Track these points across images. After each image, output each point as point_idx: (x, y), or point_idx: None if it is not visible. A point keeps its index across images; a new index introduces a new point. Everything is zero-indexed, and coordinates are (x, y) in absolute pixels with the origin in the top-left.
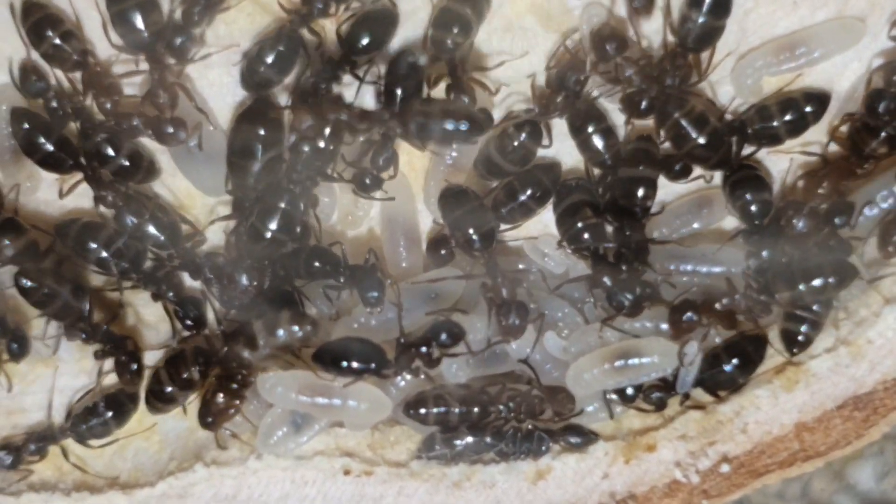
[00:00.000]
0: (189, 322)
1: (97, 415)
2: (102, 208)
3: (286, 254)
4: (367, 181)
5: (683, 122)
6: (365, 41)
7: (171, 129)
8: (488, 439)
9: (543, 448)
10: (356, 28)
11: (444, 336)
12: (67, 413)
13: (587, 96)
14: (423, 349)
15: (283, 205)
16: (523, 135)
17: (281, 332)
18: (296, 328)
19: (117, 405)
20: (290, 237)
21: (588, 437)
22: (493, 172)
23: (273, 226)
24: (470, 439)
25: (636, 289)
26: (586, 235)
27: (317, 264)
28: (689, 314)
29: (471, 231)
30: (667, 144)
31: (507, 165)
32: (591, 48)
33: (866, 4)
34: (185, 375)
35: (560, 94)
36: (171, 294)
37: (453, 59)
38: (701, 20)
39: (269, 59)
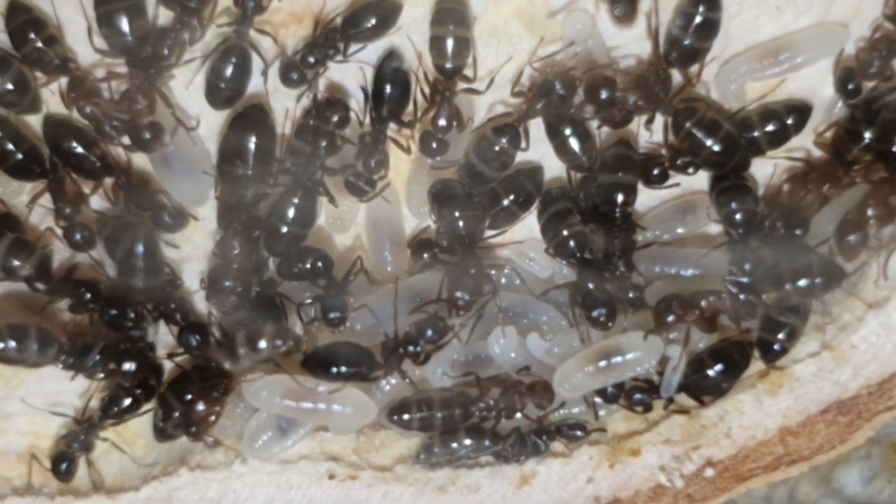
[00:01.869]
0: (193, 346)
1: (127, 394)
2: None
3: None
4: (360, 184)
5: (696, 131)
6: (369, 24)
7: (148, 135)
8: (487, 442)
9: (543, 448)
10: (359, 11)
11: (429, 332)
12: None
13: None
14: (411, 348)
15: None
16: (503, 140)
17: (264, 344)
18: (279, 342)
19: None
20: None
21: (587, 431)
22: (475, 180)
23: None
24: (468, 442)
25: (611, 303)
26: (572, 243)
27: (306, 264)
28: (673, 308)
29: (457, 215)
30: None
31: (489, 172)
32: (587, 99)
33: (849, 10)
34: (190, 397)
35: (540, 101)
36: (178, 316)
37: (451, 80)
38: (687, 41)
39: (228, 75)
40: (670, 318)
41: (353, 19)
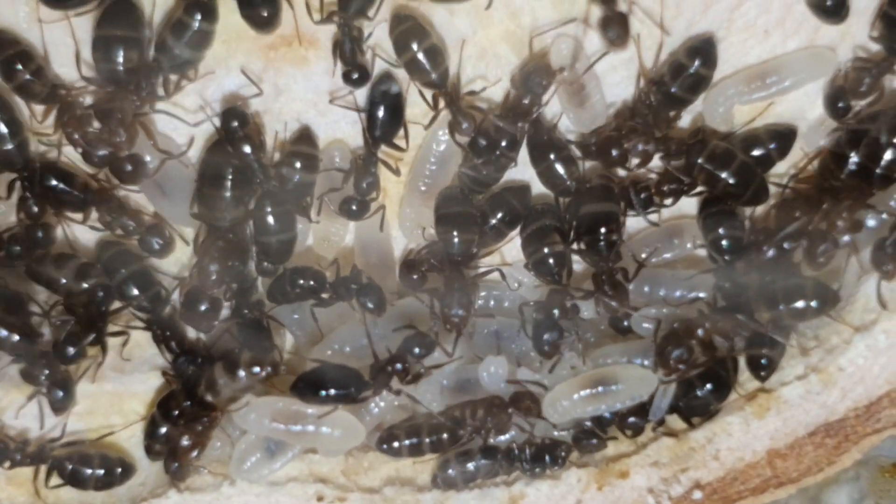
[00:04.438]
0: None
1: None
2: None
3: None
4: (354, 207)
5: (708, 166)
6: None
7: (129, 167)
8: (502, 460)
9: (561, 458)
10: None
11: (417, 349)
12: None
13: (548, 125)
14: (399, 365)
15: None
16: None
17: (241, 373)
18: (257, 369)
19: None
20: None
21: (603, 439)
22: (477, 185)
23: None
24: (483, 461)
25: (560, 333)
26: (551, 261)
27: (301, 282)
28: (678, 351)
29: (454, 234)
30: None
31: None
32: (600, 161)
33: (837, 34)
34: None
35: (525, 96)
36: (173, 343)
37: (445, 88)
38: (675, 89)
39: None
40: (679, 365)
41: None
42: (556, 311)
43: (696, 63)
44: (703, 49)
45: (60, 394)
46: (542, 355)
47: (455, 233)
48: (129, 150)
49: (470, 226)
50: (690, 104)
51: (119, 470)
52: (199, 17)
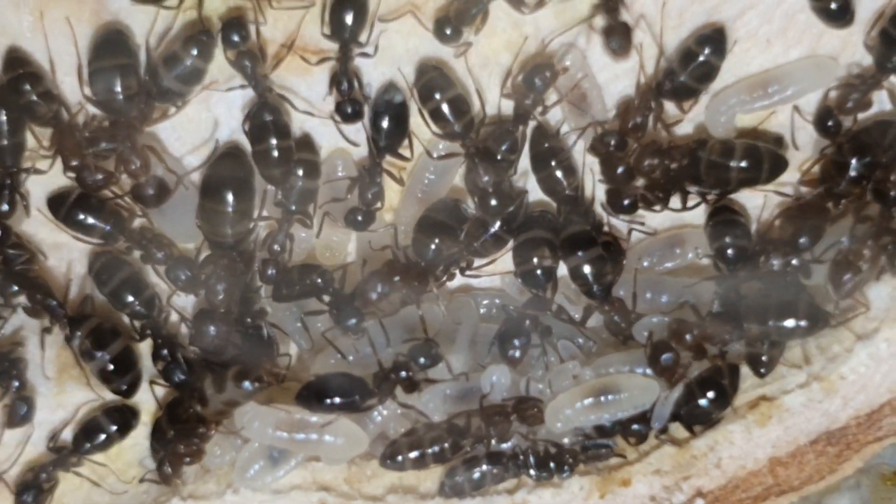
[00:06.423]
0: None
1: (100, 430)
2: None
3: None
4: (359, 218)
5: (714, 159)
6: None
7: (151, 191)
8: (509, 465)
9: (567, 468)
10: (334, 12)
11: (422, 358)
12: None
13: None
14: (403, 374)
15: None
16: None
17: (230, 387)
18: (246, 384)
19: (120, 418)
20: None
21: (613, 450)
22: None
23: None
24: (488, 468)
25: (526, 339)
26: (539, 273)
27: (308, 279)
28: (666, 355)
29: (430, 244)
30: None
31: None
32: (604, 178)
33: (839, 43)
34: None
35: (529, 95)
36: (164, 351)
37: (467, 140)
38: (684, 78)
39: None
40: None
41: (334, 25)
42: (526, 321)
43: (707, 51)
44: (714, 38)
45: (25, 407)
46: (504, 359)
47: (430, 244)
48: (146, 174)
49: (446, 239)
50: (697, 95)
51: (130, 415)
52: (195, 52)
